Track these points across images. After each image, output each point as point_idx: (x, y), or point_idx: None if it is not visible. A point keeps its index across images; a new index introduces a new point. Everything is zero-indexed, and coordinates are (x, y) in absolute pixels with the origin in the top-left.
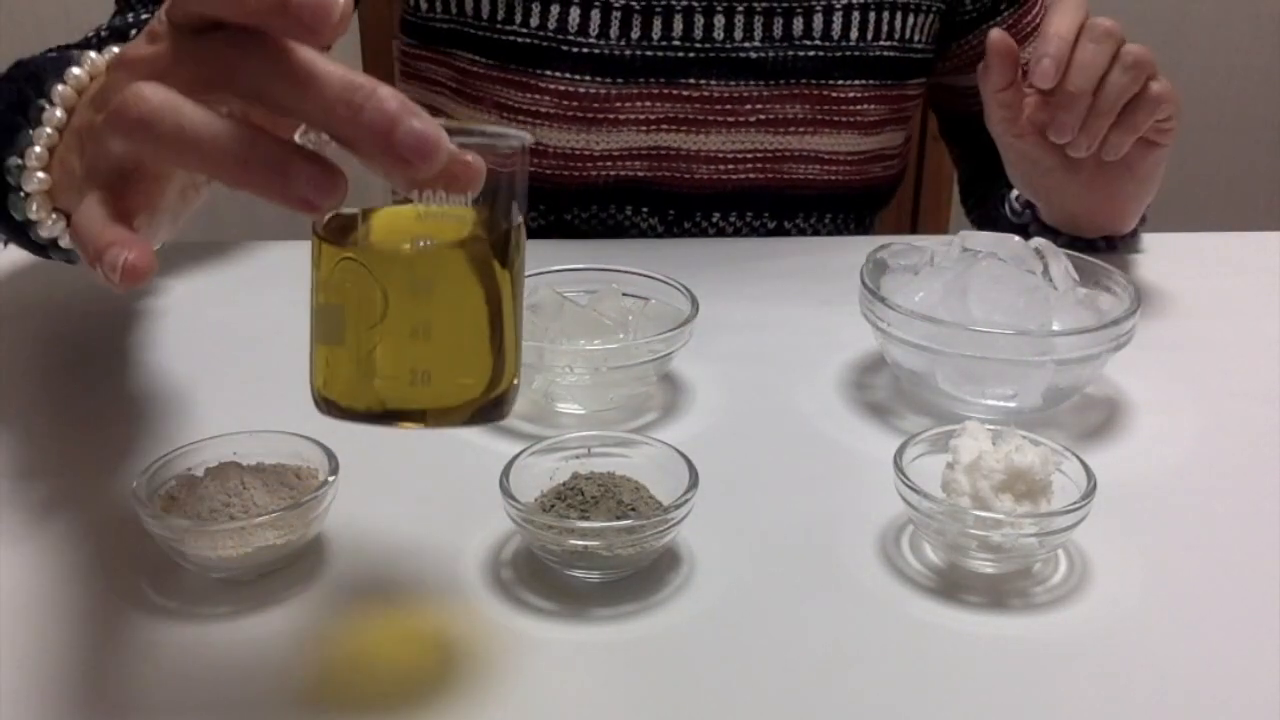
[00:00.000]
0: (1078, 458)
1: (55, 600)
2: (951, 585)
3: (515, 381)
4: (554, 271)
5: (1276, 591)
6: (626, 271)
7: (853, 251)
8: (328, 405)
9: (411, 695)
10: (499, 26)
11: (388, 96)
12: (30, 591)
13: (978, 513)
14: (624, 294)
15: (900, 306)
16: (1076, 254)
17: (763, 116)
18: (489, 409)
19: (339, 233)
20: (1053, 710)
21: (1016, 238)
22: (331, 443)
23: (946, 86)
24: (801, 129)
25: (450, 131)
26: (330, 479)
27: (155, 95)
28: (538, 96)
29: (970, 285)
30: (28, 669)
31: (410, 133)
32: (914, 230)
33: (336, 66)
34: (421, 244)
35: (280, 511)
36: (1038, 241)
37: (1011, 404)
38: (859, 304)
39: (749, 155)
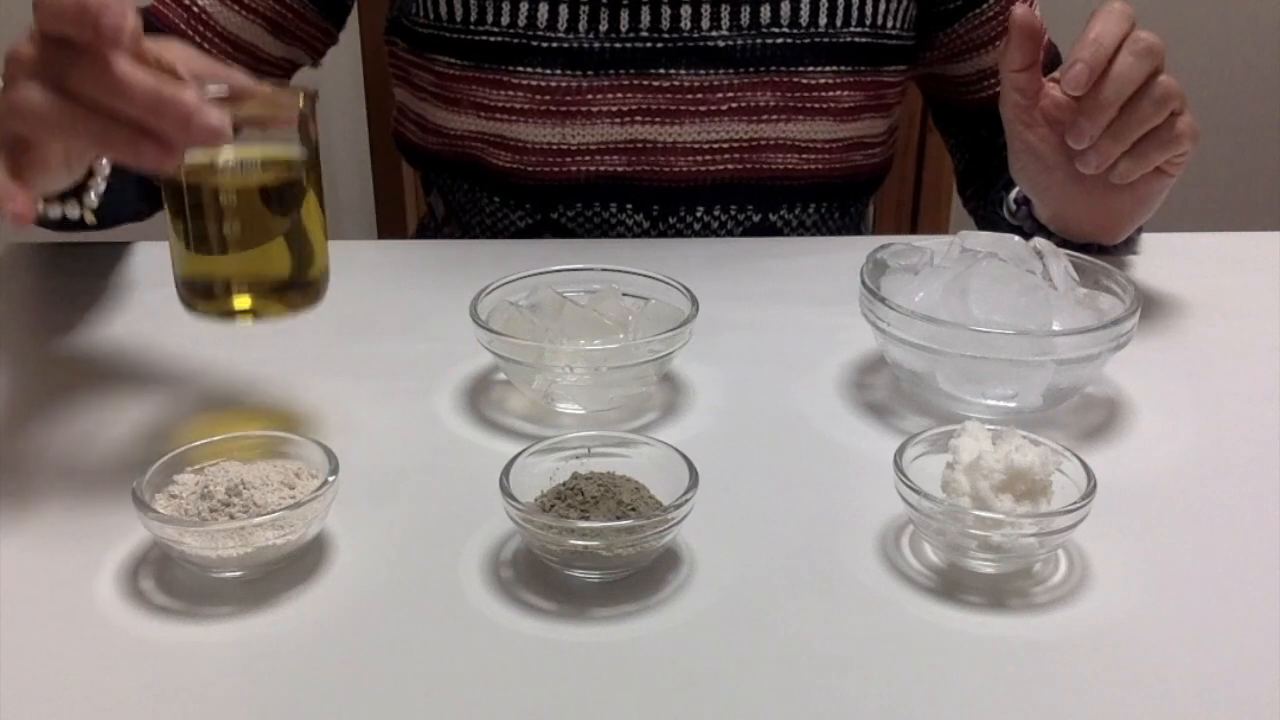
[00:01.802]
0: (1078, 458)
1: (55, 600)
2: (951, 585)
3: (324, 271)
4: (554, 271)
5: (1277, 591)
6: (626, 271)
7: (853, 251)
8: (184, 299)
9: (412, 695)
10: (472, 27)
11: (185, 101)
12: (30, 591)
13: (978, 513)
14: (624, 294)
15: (900, 306)
16: (1076, 254)
17: (735, 105)
18: (299, 292)
19: (182, 173)
20: (1053, 710)
21: (1016, 238)
22: (331, 443)
23: (937, 76)
24: (775, 117)
25: (242, 96)
26: (330, 479)
27: (34, 98)
28: (512, 93)
29: (970, 285)
30: (27, 669)
31: (203, 126)
32: (914, 230)
33: (147, 76)
34: (231, 182)
35: (280, 511)
36: (1038, 241)
37: (1011, 404)
38: (859, 304)
39: (725, 145)
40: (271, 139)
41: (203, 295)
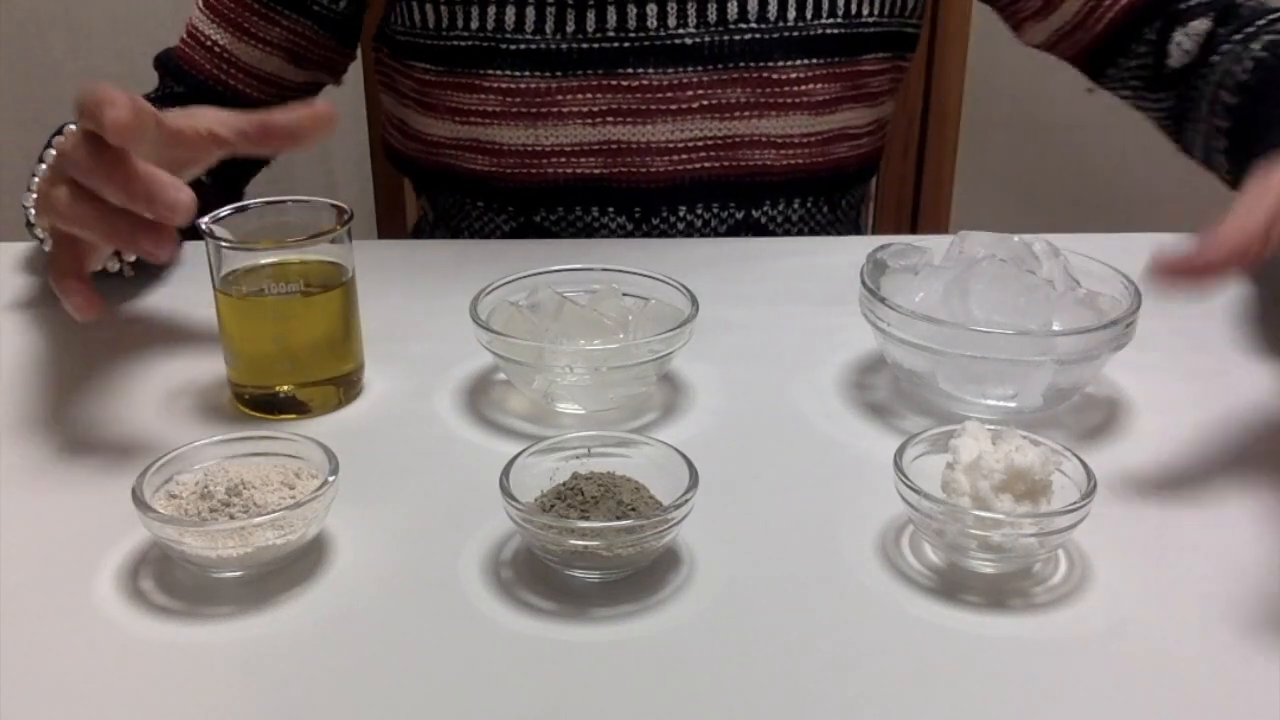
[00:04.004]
0: (1078, 458)
1: (55, 600)
2: (951, 585)
3: (361, 364)
4: (554, 271)
5: (1277, 591)
6: (626, 271)
7: (853, 251)
8: (237, 397)
9: (412, 695)
10: (444, 33)
11: (163, 182)
12: (30, 591)
13: (978, 513)
14: (624, 294)
15: (900, 306)
16: (1076, 253)
17: (705, 102)
18: (341, 386)
19: (231, 288)
20: (1053, 710)
21: (1016, 238)
22: (331, 443)
23: (1066, 38)
24: (746, 113)
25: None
26: (330, 479)
27: (60, 196)
28: (483, 96)
29: (970, 285)
30: (27, 668)
31: (167, 201)
32: (914, 230)
33: (154, 172)
34: (276, 292)
35: (280, 511)
36: (1038, 242)
37: (1012, 404)
38: (859, 304)
39: (699, 143)
40: (310, 250)
41: (255, 393)
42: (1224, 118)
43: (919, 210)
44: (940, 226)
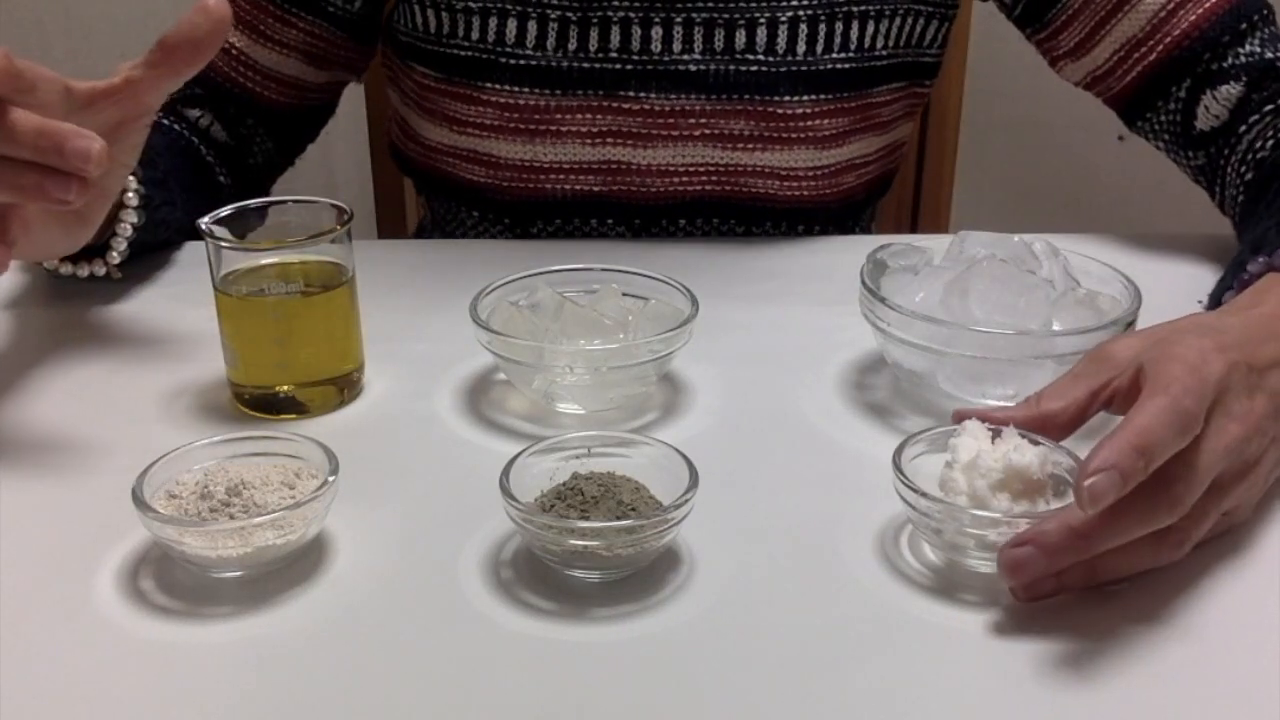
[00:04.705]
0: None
1: (55, 600)
2: (951, 585)
3: (360, 365)
4: (554, 271)
5: (1277, 590)
6: (626, 271)
7: (853, 251)
8: (237, 397)
9: (411, 695)
10: (444, 40)
11: (61, 130)
12: (30, 591)
13: (975, 512)
14: (624, 294)
15: (900, 306)
16: (1076, 253)
17: (708, 131)
18: (342, 386)
19: (231, 288)
20: (1052, 710)
21: (1016, 238)
22: (331, 443)
23: (1099, 80)
24: (750, 145)
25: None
26: (330, 479)
27: None
28: (481, 109)
29: (970, 285)
30: (27, 669)
31: (77, 150)
32: (914, 230)
33: (58, 124)
34: (277, 292)
35: (280, 511)
36: (1037, 242)
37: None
38: (859, 304)
39: (700, 169)
40: (310, 250)
41: (255, 393)
42: (1240, 190)
43: (919, 210)
44: (940, 226)
